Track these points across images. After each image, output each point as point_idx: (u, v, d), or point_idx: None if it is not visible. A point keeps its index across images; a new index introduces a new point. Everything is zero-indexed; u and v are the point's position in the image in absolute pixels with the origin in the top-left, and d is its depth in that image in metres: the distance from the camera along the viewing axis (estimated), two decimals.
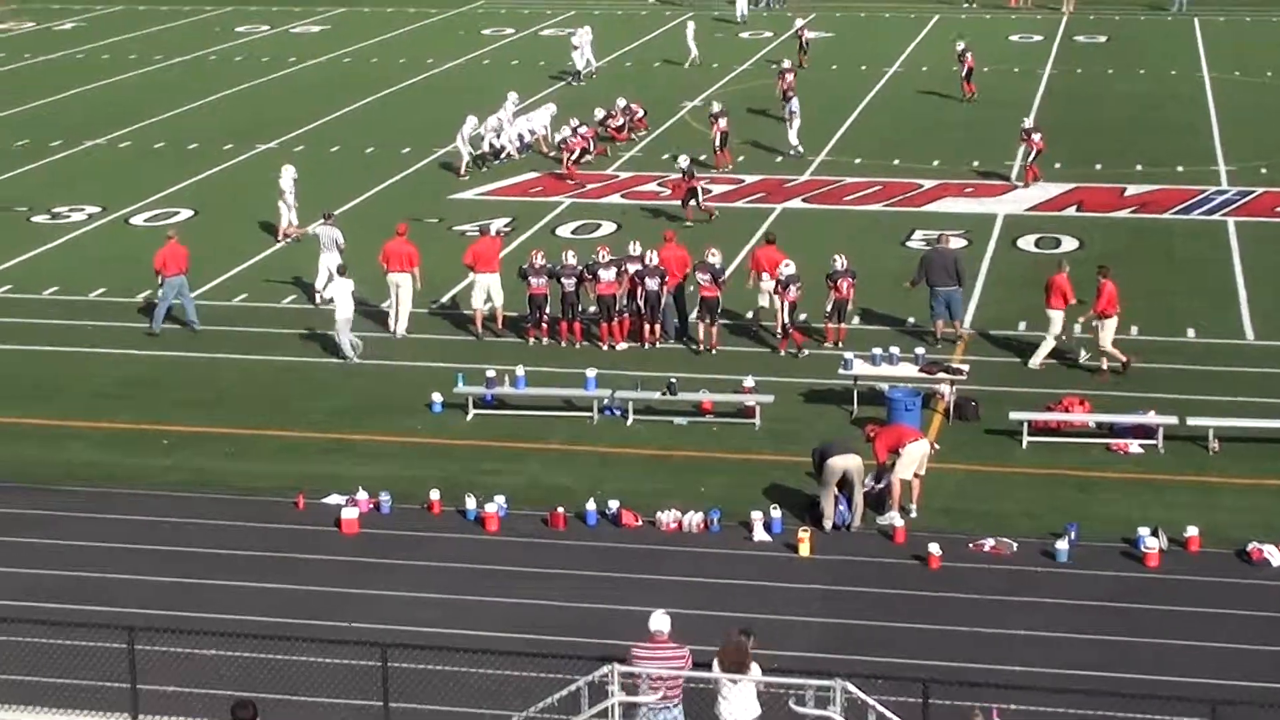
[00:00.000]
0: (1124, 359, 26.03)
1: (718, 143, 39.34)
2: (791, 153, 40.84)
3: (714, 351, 27.23)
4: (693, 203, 35.05)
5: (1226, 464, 22.69)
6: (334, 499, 21.82)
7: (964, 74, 47.97)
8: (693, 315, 28.10)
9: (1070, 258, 32.33)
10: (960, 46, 49.31)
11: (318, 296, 30.16)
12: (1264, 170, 39.13)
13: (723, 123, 39.24)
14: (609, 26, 61.11)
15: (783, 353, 27.20)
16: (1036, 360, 26.47)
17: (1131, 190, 37.50)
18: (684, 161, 36.19)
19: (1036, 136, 38.07)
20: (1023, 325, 28.51)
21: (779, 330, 27.25)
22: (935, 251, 27.89)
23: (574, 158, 38.98)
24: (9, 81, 53.95)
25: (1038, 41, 59.23)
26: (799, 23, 56.06)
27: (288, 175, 34.15)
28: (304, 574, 19.92)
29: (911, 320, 28.59)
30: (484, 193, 38.22)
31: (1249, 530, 20.43)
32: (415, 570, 20.02)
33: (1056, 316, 26.47)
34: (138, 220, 36.41)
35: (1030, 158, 37.95)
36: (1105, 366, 26.19)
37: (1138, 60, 54.81)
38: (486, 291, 28.28)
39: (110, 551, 20.61)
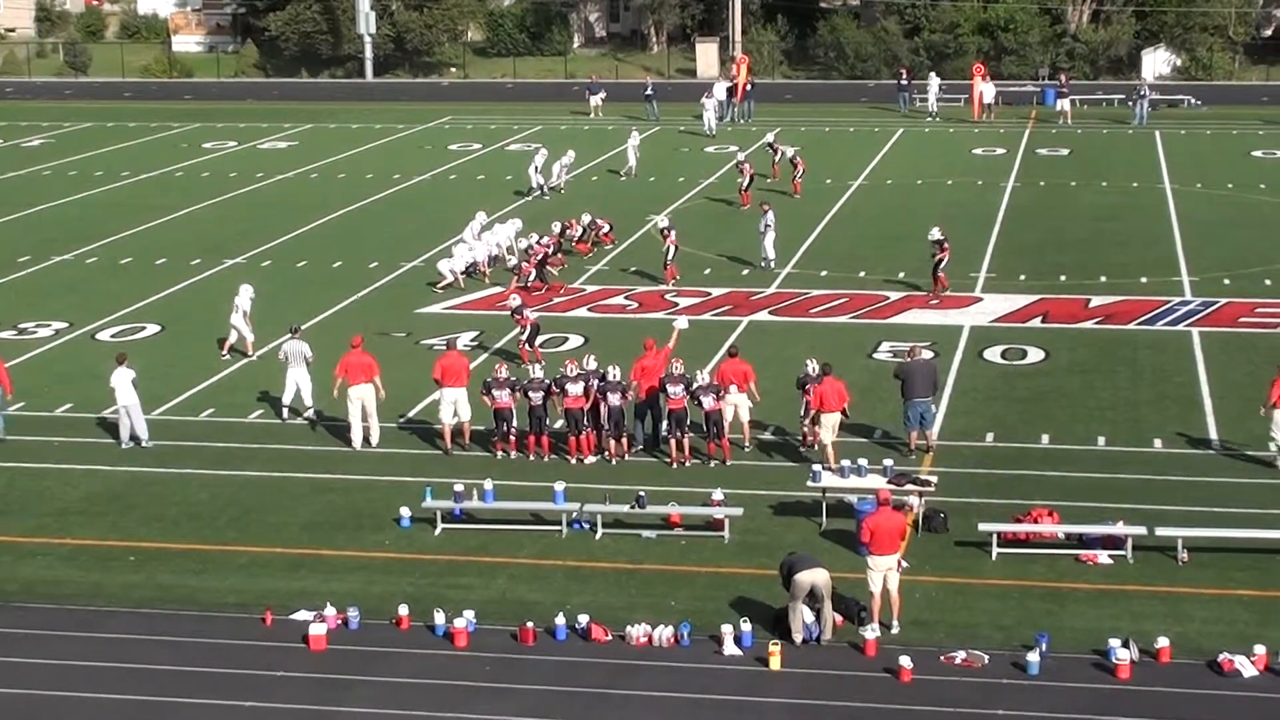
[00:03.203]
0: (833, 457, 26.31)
1: (670, 257, 39.55)
2: (763, 264, 41.03)
3: (686, 464, 27.22)
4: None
5: (1196, 574, 22.69)
6: (302, 615, 21.61)
7: (797, 176, 51.26)
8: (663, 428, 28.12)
9: (1036, 369, 32.62)
10: (790, 152, 52.31)
11: (284, 410, 30.10)
12: (1227, 281, 39.52)
13: (673, 235, 39.53)
14: (574, 141, 61.64)
15: (712, 462, 27.28)
16: None
17: (1096, 301, 37.80)
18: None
19: (945, 244, 38.44)
20: (990, 436, 28.60)
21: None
22: (915, 364, 27.89)
23: (532, 278, 39.12)
24: None
25: (1001, 155, 59.95)
26: (770, 136, 56.54)
27: (245, 294, 34.23)
28: (271, 691, 19.68)
29: (879, 432, 28.64)
30: (450, 307, 38.30)
31: (1220, 640, 20.40)
32: (384, 687, 19.81)
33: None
34: (104, 336, 36.34)
35: (940, 266, 38.32)
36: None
37: (1100, 173, 55.53)
38: (454, 406, 28.25)
39: (73, 669, 20.34)
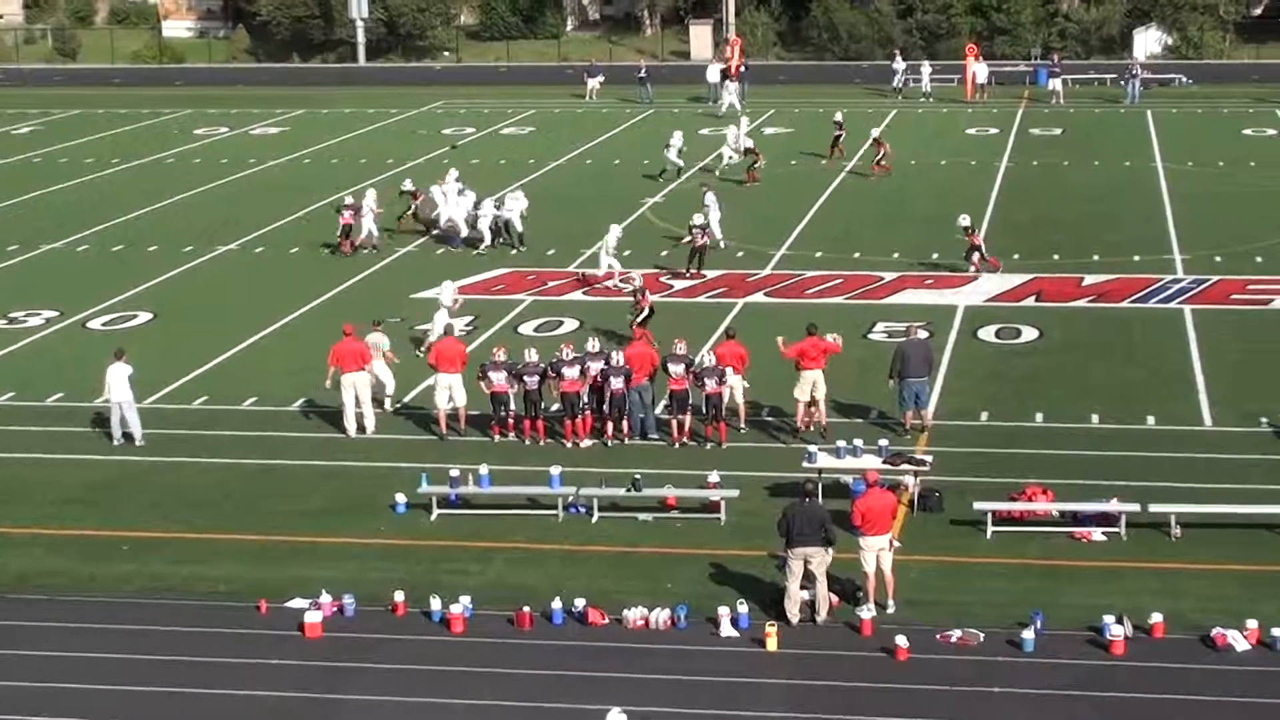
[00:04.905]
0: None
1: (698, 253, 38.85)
2: (720, 244, 40.72)
3: (682, 445, 27.23)
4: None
5: (1188, 550, 22.73)
6: (297, 603, 21.58)
7: (880, 158, 52.18)
8: (659, 409, 28.09)
9: (1030, 347, 32.66)
10: (875, 133, 53.39)
11: (387, 402, 29.82)
12: (1218, 259, 39.54)
13: (701, 235, 38.76)
14: (570, 124, 61.62)
15: (708, 444, 27.29)
16: None
17: (1089, 280, 37.81)
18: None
19: (975, 232, 38.56)
20: (984, 415, 28.61)
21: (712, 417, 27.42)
22: (910, 344, 27.85)
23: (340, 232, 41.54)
24: None
25: (994, 134, 59.93)
26: (839, 116, 56.63)
27: (449, 290, 33.52)
28: (267, 680, 19.66)
29: (875, 412, 28.64)
30: None
31: (1212, 615, 20.42)
32: (380, 674, 19.81)
33: None
34: (96, 324, 36.29)
35: (976, 250, 38.43)
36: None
37: (1093, 152, 55.51)
38: (449, 391, 28.23)
39: (69, 660, 20.30)
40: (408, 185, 45.08)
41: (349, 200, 42.97)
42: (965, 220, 38.80)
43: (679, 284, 38.08)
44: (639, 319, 32.22)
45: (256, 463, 27.40)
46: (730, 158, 52.11)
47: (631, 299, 33.21)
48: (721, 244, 40.94)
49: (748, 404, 28.14)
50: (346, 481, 26.47)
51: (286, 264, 41.78)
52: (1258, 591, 21.34)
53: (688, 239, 38.79)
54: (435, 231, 42.99)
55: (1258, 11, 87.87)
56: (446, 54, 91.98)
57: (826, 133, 57.63)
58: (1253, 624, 19.88)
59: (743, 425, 27.94)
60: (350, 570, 22.86)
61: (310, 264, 41.62)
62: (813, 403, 27.50)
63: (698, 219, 39.17)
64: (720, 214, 40.97)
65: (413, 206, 44.04)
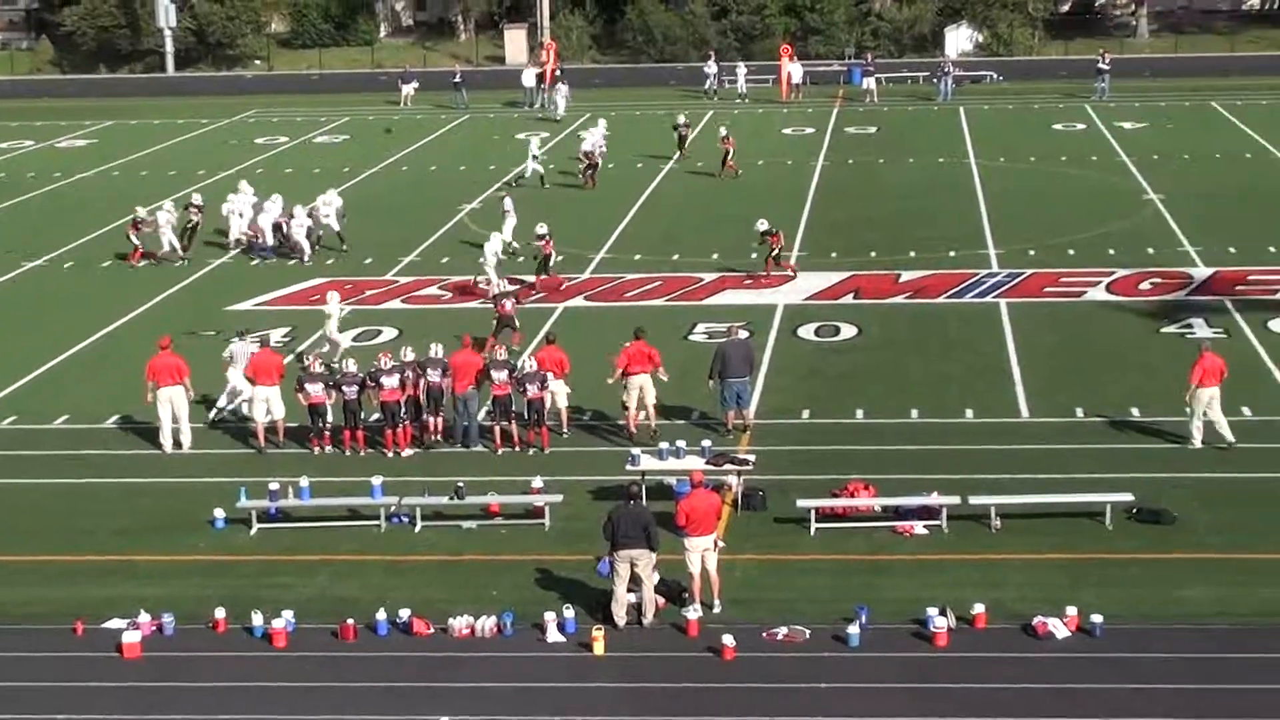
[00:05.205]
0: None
1: (548, 264, 37.89)
2: (513, 249, 40.49)
3: (503, 451, 27.07)
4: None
5: (1009, 540, 23.08)
6: (115, 623, 21.07)
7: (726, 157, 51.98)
8: (481, 415, 27.91)
9: (850, 344, 32.99)
10: (722, 133, 53.37)
11: (214, 410, 29.27)
12: (1031, 252, 40.29)
13: (550, 242, 37.87)
14: (384, 131, 61.01)
15: (531, 450, 27.20)
16: (1199, 439, 26.52)
17: (906, 276, 38.31)
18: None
19: (779, 233, 38.48)
20: (806, 413, 28.83)
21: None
22: (730, 344, 27.96)
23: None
24: None
25: (810, 134, 60.55)
26: (682, 118, 57.06)
27: (334, 303, 32.87)
28: (86, 702, 19.15)
29: (697, 413, 28.72)
30: (262, 303, 37.67)
31: (1033, 604, 20.74)
32: (203, 692, 19.38)
33: (1204, 394, 26.33)
34: None
35: (775, 254, 38.18)
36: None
37: (907, 149, 56.34)
38: (267, 404, 27.76)
39: None
40: (197, 200, 44.20)
41: (141, 212, 42.20)
42: (764, 225, 38.63)
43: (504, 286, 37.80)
44: (495, 327, 32.17)
45: (69, 482, 26.72)
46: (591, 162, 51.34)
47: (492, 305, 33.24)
48: (514, 249, 40.43)
49: (569, 409, 28.07)
50: (163, 498, 25.90)
51: (97, 279, 40.85)
52: (1077, 579, 21.74)
53: (537, 246, 38.26)
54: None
55: (1066, 8, 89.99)
56: (258, 62, 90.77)
57: (645, 135, 57.99)
58: (1072, 611, 20.22)
59: (565, 430, 27.87)
60: (169, 588, 22.36)
61: (121, 279, 40.74)
62: (641, 408, 27.51)
63: (541, 228, 38.02)
64: (515, 220, 40.68)
65: (193, 221, 43.26)
